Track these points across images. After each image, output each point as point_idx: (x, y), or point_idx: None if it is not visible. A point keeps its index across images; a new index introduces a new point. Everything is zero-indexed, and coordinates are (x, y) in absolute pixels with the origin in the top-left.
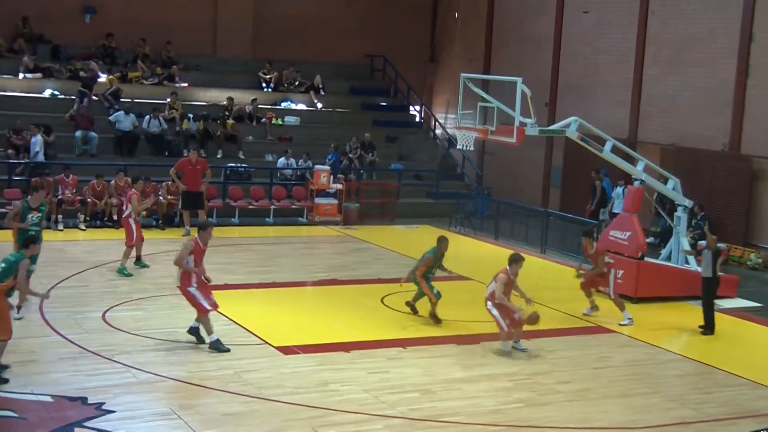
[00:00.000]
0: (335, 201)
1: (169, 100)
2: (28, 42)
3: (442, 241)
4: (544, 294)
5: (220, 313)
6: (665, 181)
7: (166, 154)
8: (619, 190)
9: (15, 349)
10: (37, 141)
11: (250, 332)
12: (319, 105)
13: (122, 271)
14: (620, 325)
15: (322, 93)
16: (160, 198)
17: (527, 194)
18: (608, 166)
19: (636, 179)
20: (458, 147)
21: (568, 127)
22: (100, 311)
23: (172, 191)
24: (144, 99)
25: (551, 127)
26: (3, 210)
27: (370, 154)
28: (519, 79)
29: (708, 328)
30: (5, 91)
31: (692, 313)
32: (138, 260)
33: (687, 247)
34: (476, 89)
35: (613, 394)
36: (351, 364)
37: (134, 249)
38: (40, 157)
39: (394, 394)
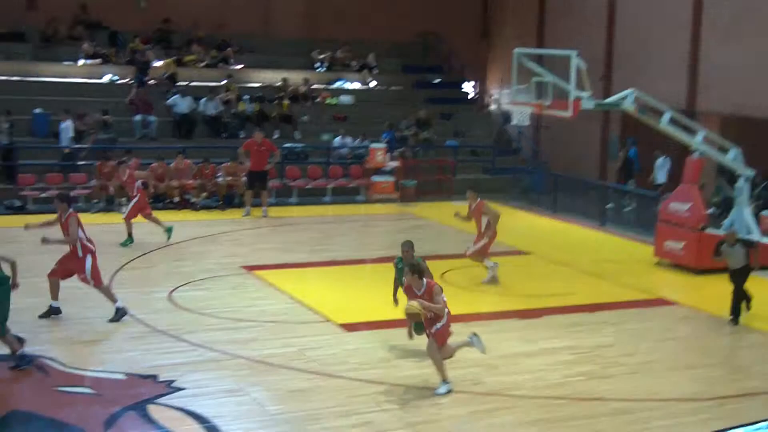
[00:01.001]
0: (392, 179)
1: (224, 82)
2: (87, 29)
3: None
4: (605, 267)
5: (282, 291)
6: (726, 151)
7: (224, 135)
8: (660, 160)
9: (88, 329)
10: (68, 126)
11: (313, 310)
12: (373, 83)
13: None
14: (482, 282)
15: (376, 71)
16: (219, 179)
17: (584, 167)
18: (661, 137)
19: (695, 150)
20: (513, 122)
21: (624, 100)
22: (165, 291)
23: (231, 172)
24: (200, 82)
25: (607, 100)
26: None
27: (426, 132)
28: (574, 52)
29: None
30: (67, 78)
31: (755, 284)
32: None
33: (750, 218)
34: (530, 64)
35: (678, 365)
36: (413, 340)
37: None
38: (72, 143)
39: (457, 369)
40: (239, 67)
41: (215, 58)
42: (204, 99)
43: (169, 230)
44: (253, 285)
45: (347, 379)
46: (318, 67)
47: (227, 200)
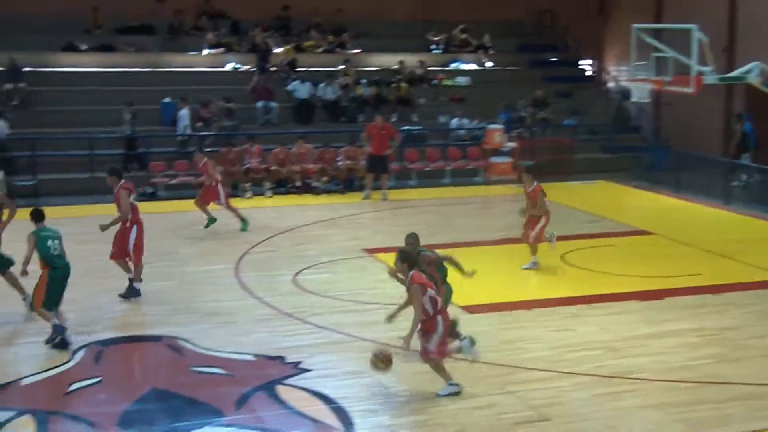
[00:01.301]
0: (510, 159)
1: (342, 67)
2: (210, 19)
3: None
4: (731, 246)
5: None
6: None
7: (342, 120)
8: None
9: (217, 311)
10: (185, 114)
11: None
12: (489, 64)
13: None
14: (522, 268)
15: (491, 52)
16: (339, 163)
17: (706, 144)
18: None
19: None
20: (633, 99)
21: (749, 73)
22: (290, 274)
23: (351, 156)
24: (318, 67)
25: (731, 74)
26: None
27: (543, 111)
28: (694, 27)
29: None
30: (192, 67)
31: None
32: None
33: None
34: (649, 39)
35: None
36: (534, 322)
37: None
38: (188, 130)
39: (579, 351)
40: (356, 51)
41: (332, 44)
42: (323, 84)
43: (211, 221)
44: (375, 268)
45: (470, 361)
46: (433, 49)
47: (348, 184)
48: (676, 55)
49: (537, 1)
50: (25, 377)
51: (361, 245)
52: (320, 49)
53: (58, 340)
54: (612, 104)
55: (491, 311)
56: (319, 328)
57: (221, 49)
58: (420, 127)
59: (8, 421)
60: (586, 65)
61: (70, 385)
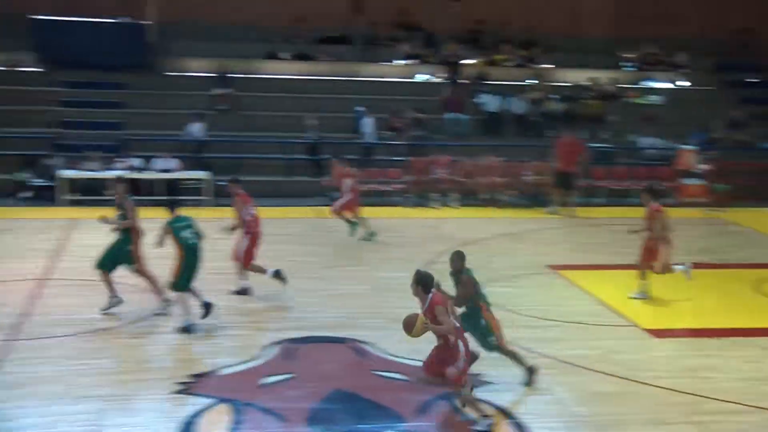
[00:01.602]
0: (703, 182)
1: (533, 81)
2: (405, 31)
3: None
4: None
5: (587, 292)
6: None
7: (530, 134)
8: None
9: (400, 317)
10: (368, 122)
11: (618, 313)
12: (684, 83)
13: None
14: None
15: (687, 71)
16: (527, 178)
17: None
18: None
19: None
20: None
21: None
22: None
23: (539, 171)
24: (509, 81)
25: None
26: (386, 188)
27: (740, 133)
28: None
29: None
30: (384, 77)
31: None
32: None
33: None
34: None
35: None
36: (723, 352)
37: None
38: (371, 138)
39: None
40: (547, 66)
41: (523, 58)
42: (513, 98)
43: (354, 225)
44: (558, 284)
45: (654, 387)
46: (626, 66)
47: (534, 199)
48: None
49: (738, 19)
50: (223, 368)
51: (545, 261)
52: (511, 63)
53: (186, 326)
54: None
55: (677, 336)
56: None
57: (415, 60)
58: (609, 145)
59: (208, 407)
60: None
61: (264, 378)
